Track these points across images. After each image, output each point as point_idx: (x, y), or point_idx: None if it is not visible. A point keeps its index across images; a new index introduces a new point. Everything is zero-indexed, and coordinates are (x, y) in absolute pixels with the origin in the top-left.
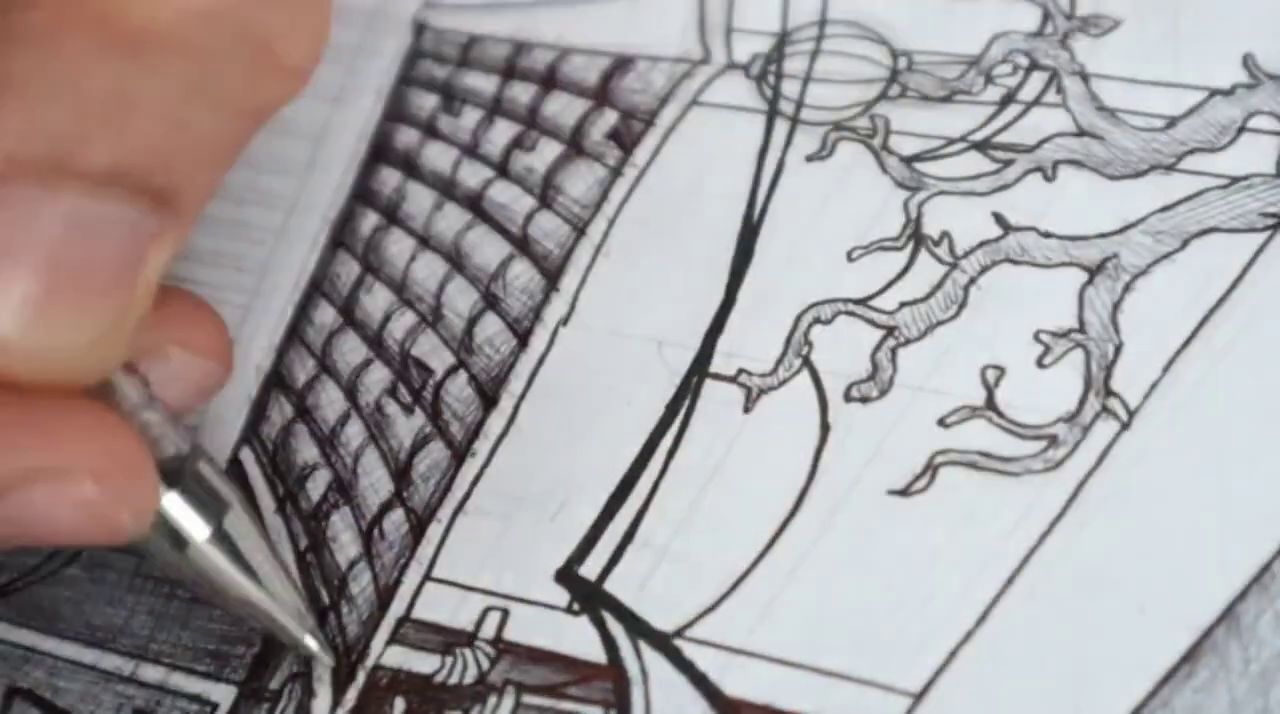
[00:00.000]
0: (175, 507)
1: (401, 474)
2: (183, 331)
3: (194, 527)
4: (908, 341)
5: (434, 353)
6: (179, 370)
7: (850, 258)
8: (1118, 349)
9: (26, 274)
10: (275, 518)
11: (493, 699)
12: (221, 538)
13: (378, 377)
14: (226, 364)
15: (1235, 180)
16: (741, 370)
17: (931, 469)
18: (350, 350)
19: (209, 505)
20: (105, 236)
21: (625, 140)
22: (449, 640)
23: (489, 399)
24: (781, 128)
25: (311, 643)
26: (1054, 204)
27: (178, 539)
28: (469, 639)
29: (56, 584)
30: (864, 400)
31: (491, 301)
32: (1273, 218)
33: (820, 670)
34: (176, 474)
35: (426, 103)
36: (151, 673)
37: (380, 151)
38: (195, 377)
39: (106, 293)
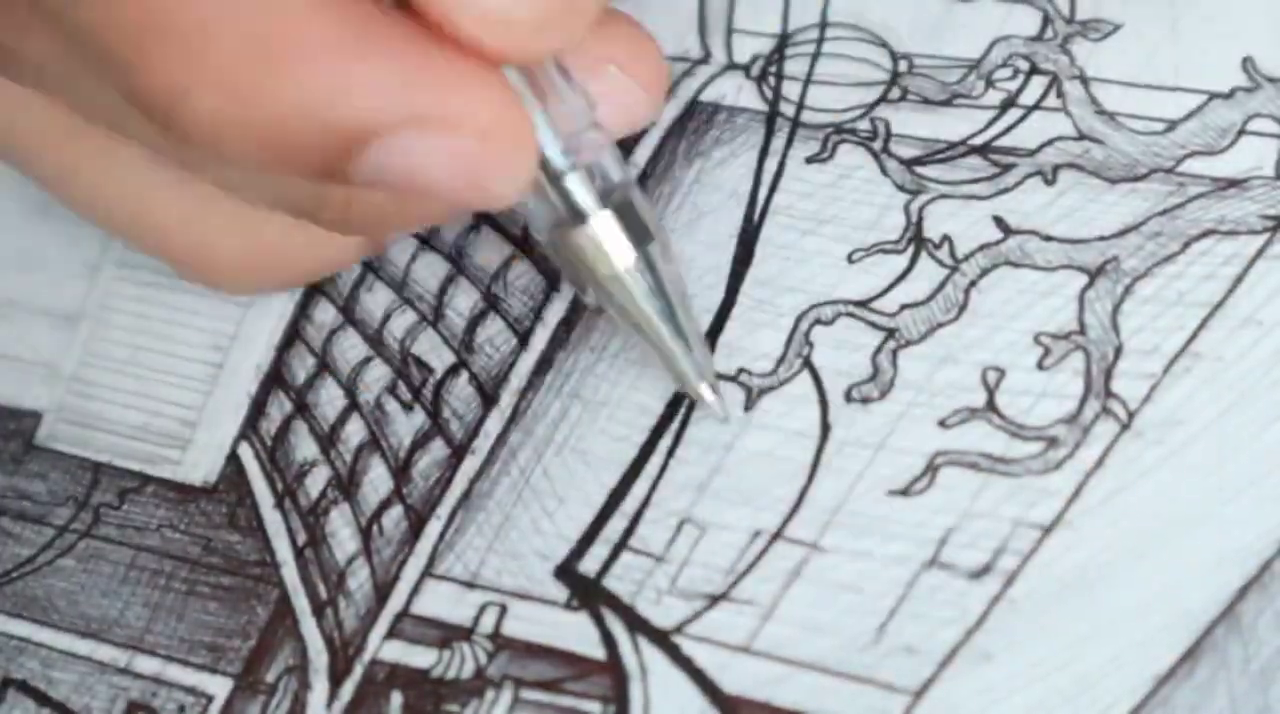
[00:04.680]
0: (605, 226)
1: (401, 471)
2: (624, 54)
3: (619, 251)
4: (908, 343)
5: (434, 351)
6: (614, 91)
7: (851, 260)
8: (1118, 351)
9: None
10: (274, 514)
11: (490, 694)
12: (644, 268)
13: (377, 374)
14: (657, 97)
15: (1235, 183)
16: (742, 370)
17: (932, 470)
18: (350, 348)
19: (637, 233)
20: None
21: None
22: (447, 635)
23: (489, 398)
24: (782, 129)
25: (708, 394)
26: (1054, 207)
27: (601, 262)
28: (467, 634)
29: (51, 575)
30: (865, 401)
31: (492, 302)
32: (1272, 220)
33: (820, 669)
34: (608, 197)
35: None
36: (147, 665)
37: None
38: (627, 101)
39: None
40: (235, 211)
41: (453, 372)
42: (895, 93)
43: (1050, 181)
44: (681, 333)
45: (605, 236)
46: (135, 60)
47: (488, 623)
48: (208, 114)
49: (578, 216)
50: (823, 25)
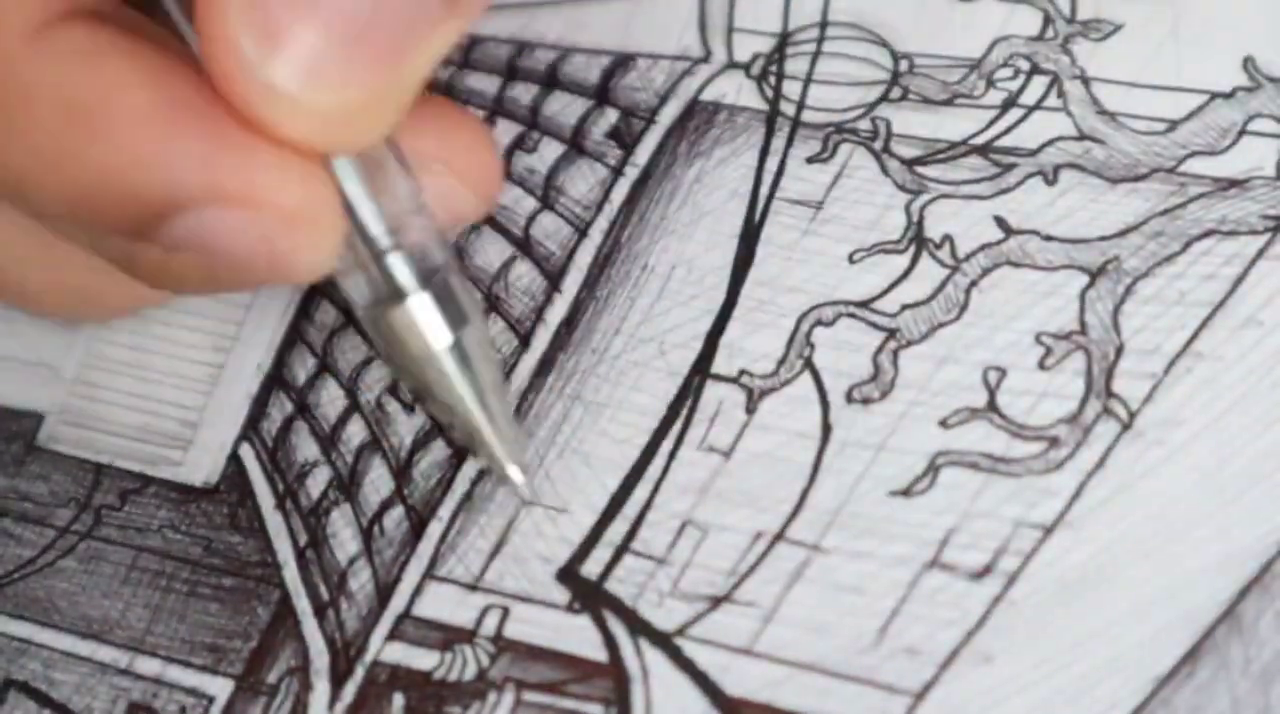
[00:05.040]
0: (423, 307)
1: (402, 472)
2: (454, 151)
3: (436, 332)
4: (909, 344)
5: None
6: (438, 187)
7: (852, 260)
8: (1119, 351)
9: (318, 25)
10: (275, 514)
11: (492, 696)
12: (459, 350)
13: (378, 375)
14: (485, 195)
15: (1236, 183)
16: (743, 371)
17: (933, 470)
18: (351, 349)
19: (453, 316)
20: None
21: (626, 139)
22: (449, 637)
23: None
24: (783, 129)
25: (516, 476)
26: (1055, 207)
27: (417, 341)
28: (469, 636)
29: (52, 576)
30: (865, 402)
31: (493, 302)
32: (1273, 220)
33: (821, 670)
34: (429, 278)
35: None
36: (148, 665)
37: None
38: (452, 199)
39: (386, 56)
40: (49, 244)
41: None
42: (896, 92)
43: (1051, 181)
44: (492, 416)
45: (422, 317)
46: None
47: (490, 625)
48: (17, 173)
49: (397, 295)
50: (823, 24)
